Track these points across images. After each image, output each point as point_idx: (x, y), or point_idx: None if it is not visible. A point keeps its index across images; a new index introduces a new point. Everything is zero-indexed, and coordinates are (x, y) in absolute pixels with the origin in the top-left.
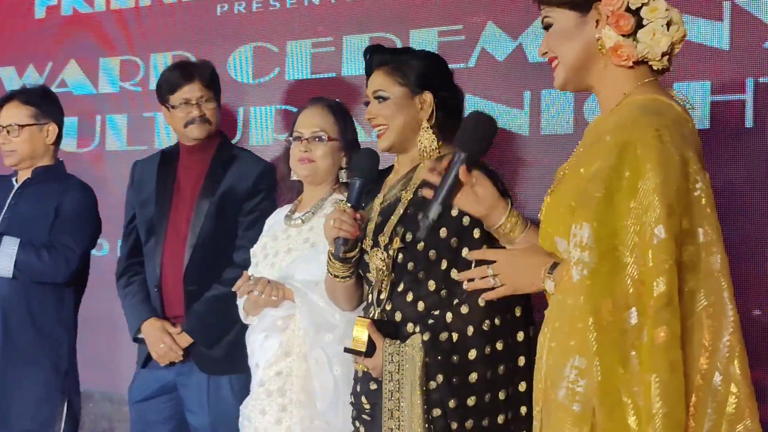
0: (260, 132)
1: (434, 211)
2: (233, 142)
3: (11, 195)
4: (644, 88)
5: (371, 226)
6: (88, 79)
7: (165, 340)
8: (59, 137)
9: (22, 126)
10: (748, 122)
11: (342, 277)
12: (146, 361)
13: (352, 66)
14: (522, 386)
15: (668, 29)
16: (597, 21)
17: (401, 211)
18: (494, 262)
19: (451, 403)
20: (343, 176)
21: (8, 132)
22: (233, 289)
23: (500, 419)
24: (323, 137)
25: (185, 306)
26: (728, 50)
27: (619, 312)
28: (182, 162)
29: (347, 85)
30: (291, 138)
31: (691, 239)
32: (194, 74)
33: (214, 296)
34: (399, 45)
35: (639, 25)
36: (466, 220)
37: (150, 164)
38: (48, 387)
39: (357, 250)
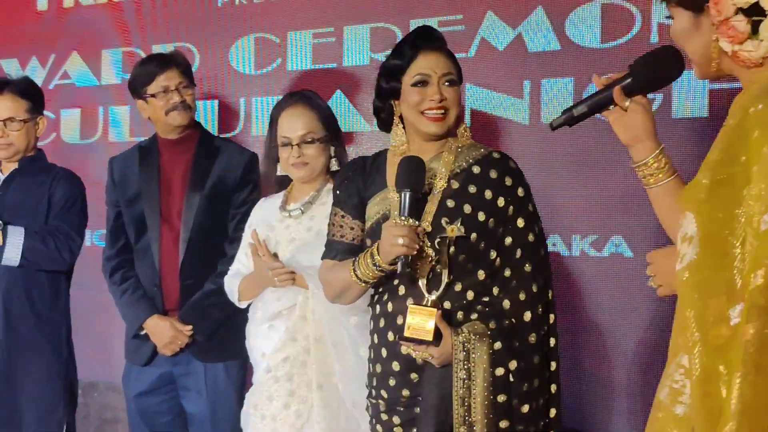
0: (262, 123)
1: (578, 109)
2: (234, 133)
3: None
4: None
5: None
6: (90, 70)
7: (171, 335)
8: None
9: (22, 120)
10: None
11: (370, 282)
12: (151, 357)
13: (353, 56)
14: (552, 366)
15: None
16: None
17: (438, 201)
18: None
19: (525, 387)
20: (334, 165)
21: (5, 125)
22: (270, 273)
23: (542, 401)
24: (313, 139)
25: (182, 299)
26: None
27: (724, 309)
28: (164, 156)
29: (348, 75)
30: (278, 144)
31: None
32: (170, 62)
33: (211, 289)
34: (399, 35)
35: (756, 22)
36: (510, 210)
37: (129, 160)
38: (51, 372)
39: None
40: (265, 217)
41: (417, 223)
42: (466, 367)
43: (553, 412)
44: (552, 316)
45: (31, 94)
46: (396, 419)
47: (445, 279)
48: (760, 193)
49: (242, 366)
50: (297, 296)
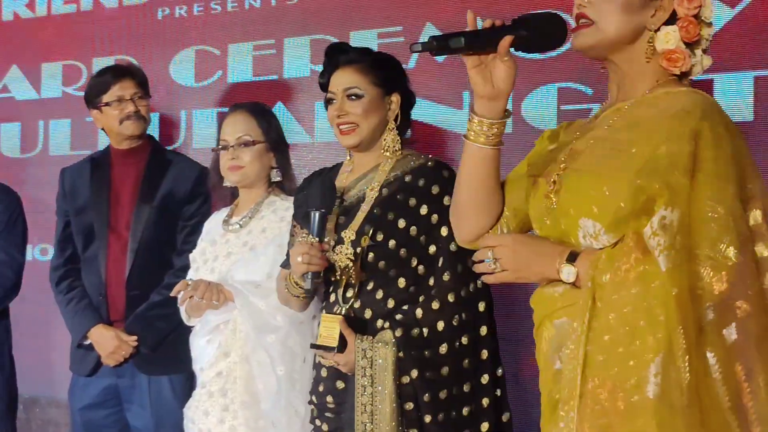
0: (203, 135)
1: (455, 41)
2: (176, 146)
3: None
4: (678, 82)
5: (330, 225)
6: (30, 84)
7: (115, 345)
8: None
9: None
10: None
11: (300, 296)
12: (95, 368)
13: (294, 68)
14: (484, 378)
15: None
16: (656, 11)
17: (367, 209)
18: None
19: (426, 397)
20: (275, 175)
21: None
22: (171, 295)
23: (465, 411)
24: (249, 141)
25: (128, 310)
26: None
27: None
28: (116, 168)
29: (289, 87)
30: (218, 147)
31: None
32: (126, 73)
33: (157, 300)
34: None
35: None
36: (434, 218)
37: (81, 171)
38: None
39: (321, 278)
40: (210, 232)
41: (316, 239)
42: (368, 374)
43: (485, 426)
44: (484, 328)
45: None
46: (324, 426)
47: (352, 289)
48: (725, 194)
49: (187, 379)
50: (232, 311)
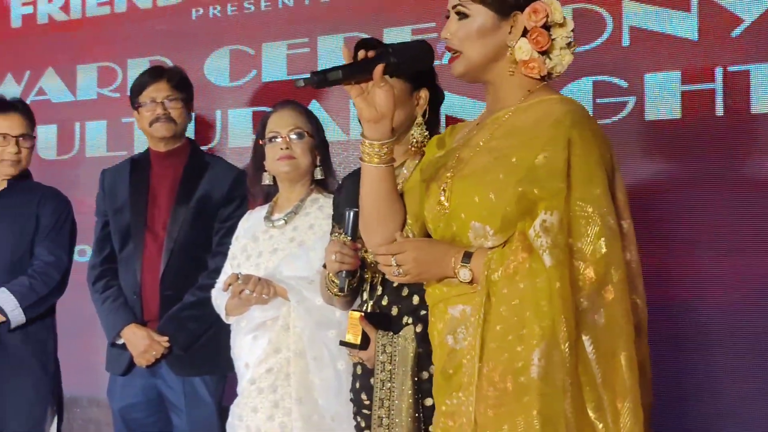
0: (238, 135)
1: (333, 74)
2: (212, 145)
3: None
4: (548, 89)
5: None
6: (66, 86)
7: (147, 344)
8: None
9: (32, 137)
10: (719, 110)
11: (343, 296)
12: (129, 367)
13: (328, 66)
14: None
15: (569, 47)
16: (511, 28)
17: None
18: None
19: None
20: (318, 174)
21: (17, 142)
22: (223, 289)
23: None
24: (302, 134)
25: (161, 310)
26: (697, 40)
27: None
28: (155, 169)
29: None
30: (264, 140)
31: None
32: (162, 74)
33: (190, 301)
34: None
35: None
36: None
37: (120, 172)
38: (38, 388)
39: (357, 276)
40: (250, 229)
41: (348, 238)
42: (387, 369)
43: None
44: None
45: (30, 114)
46: (362, 422)
47: (381, 287)
48: (598, 197)
49: (221, 380)
50: (281, 307)
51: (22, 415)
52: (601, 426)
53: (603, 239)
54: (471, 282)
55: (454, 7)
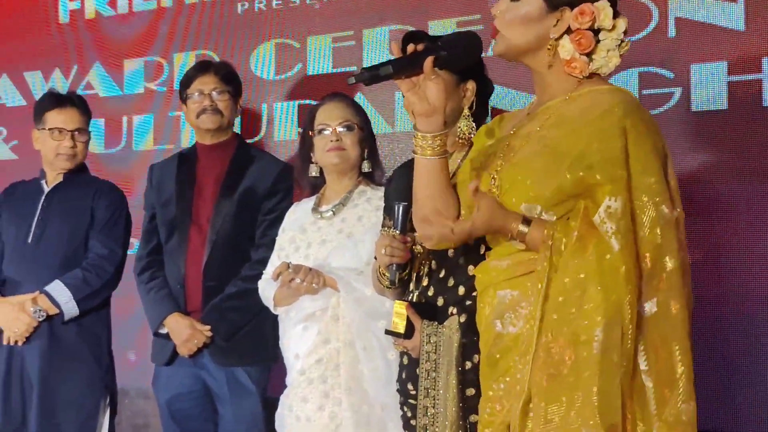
0: (284, 128)
1: (384, 69)
2: (257, 138)
3: (42, 198)
4: (598, 79)
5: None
6: (113, 80)
7: (189, 333)
8: None
9: (88, 132)
10: (766, 101)
11: (394, 288)
12: (172, 357)
13: (373, 59)
14: None
15: (619, 48)
16: (557, 21)
17: None
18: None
19: None
20: (366, 166)
21: (73, 136)
22: (273, 278)
23: None
24: (351, 126)
25: (204, 301)
26: (744, 31)
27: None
28: (201, 162)
29: None
30: (314, 132)
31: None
32: (210, 67)
33: (233, 292)
34: None
35: (597, 41)
36: None
37: (168, 166)
38: (92, 381)
39: (408, 270)
40: (297, 220)
41: (397, 232)
42: (432, 358)
43: None
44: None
45: (87, 109)
46: (408, 412)
47: (427, 277)
48: (655, 186)
49: (264, 370)
50: (330, 298)
51: (74, 407)
52: (643, 412)
53: (658, 228)
54: (525, 246)
55: None
